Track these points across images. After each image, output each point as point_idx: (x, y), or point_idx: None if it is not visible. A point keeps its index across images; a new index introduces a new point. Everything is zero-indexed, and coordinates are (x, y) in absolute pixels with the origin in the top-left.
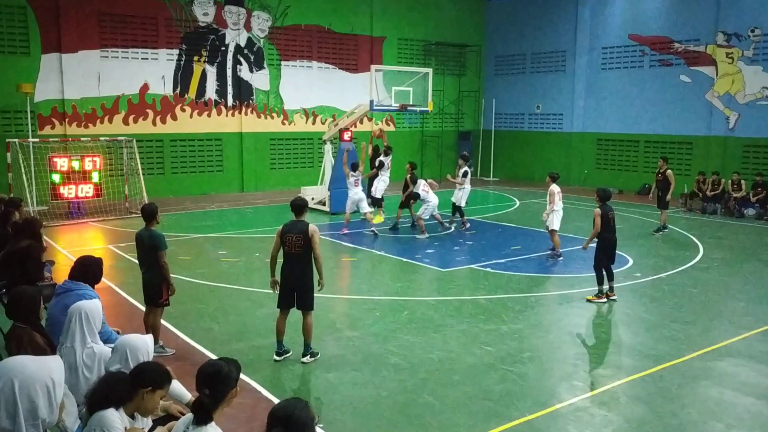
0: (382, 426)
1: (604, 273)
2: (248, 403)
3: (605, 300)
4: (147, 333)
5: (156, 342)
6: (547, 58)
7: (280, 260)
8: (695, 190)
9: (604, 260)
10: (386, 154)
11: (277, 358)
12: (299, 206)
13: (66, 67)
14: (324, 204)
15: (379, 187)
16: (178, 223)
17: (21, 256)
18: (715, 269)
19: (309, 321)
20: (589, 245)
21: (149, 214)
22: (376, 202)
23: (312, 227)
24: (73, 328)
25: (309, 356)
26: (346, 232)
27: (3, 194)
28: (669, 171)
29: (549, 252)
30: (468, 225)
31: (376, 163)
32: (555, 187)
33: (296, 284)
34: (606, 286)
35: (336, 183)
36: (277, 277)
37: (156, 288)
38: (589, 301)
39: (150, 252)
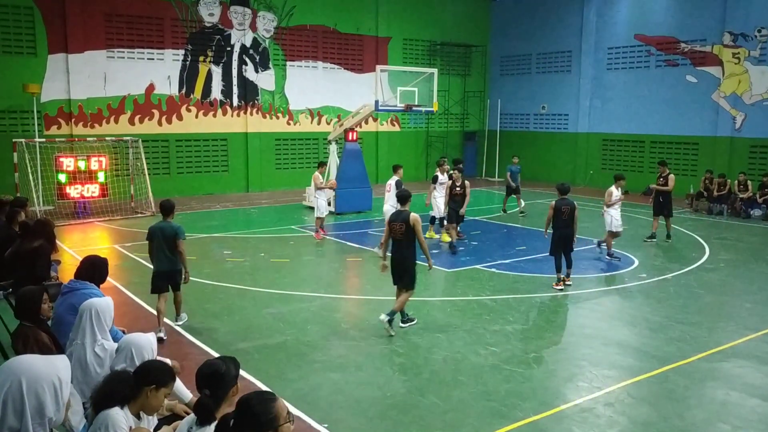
0: (386, 426)
1: (563, 261)
2: None
3: (562, 287)
4: (158, 318)
5: (179, 312)
6: (553, 59)
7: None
8: (702, 189)
9: (557, 249)
10: (440, 165)
11: (403, 326)
12: (404, 198)
13: (72, 67)
14: (329, 204)
15: (439, 205)
16: (184, 223)
17: (31, 256)
18: (721, 270)
19: (404, 297)
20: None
21: (170, 208)
22: (433, 221)
23: (413, 216)
24: (83, 325)
25: (402, 322)
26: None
27: (8, 195)
28: (672, 175)
29: (609, 256)
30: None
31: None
32: (612, 189)
33: (400, 266)
34: (563, 273)
35: (341, 183)
36: (387, 261)
37: (176, 274)
38: (556, 288)
39: (169, 241)
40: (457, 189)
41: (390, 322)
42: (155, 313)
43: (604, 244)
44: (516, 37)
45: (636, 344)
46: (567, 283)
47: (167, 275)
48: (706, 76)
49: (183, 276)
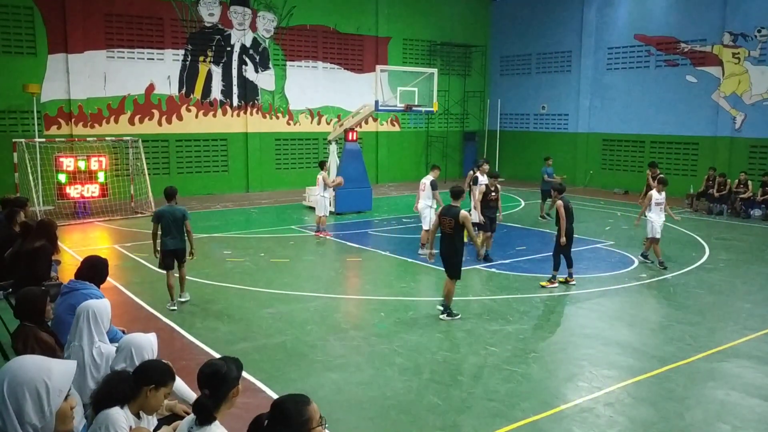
0: (386, 426)
1: (563, 260)
2: (253, 403)
3: (557, 285)
4: (171, 294)
5: (183, 289)
6: (553, 59)
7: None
8: (704, 187)
9: (562, 248)
10: (479, 166)
11: (442, 315)
12: (457, 193)
13: (72, 67)
14: (329, 204)
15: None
16: None
17: (31, 256)
18: (721, 270)
19: (449, 287)
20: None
21: (174, 193)
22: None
23: (463, 213)
24: (81, 327)
25: (445, 314)
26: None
27: (9, 195)
28: (662, 176)
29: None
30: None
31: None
32: (652, 192)
33: (447, 256)
34: (564, 273)
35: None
36: (436, 250)
37: (183, 252)
38: (542, 286)
39: (178, 222)
40: (492, 195)
41: (449, 314)
42: (155, 312)
43: (648, 257)
44: (516, 37)
45: (636, 344)
46: (571, 282)
47: (174, 253)
48: (706, 76)
49: (190, 253)
